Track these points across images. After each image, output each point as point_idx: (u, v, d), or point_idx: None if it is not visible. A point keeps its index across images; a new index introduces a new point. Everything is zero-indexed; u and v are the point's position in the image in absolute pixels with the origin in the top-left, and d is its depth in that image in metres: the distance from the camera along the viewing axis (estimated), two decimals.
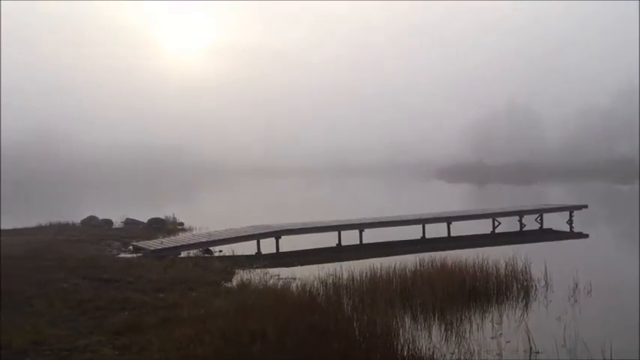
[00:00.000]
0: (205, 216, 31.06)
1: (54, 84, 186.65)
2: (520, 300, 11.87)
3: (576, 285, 12.45)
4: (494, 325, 10.06)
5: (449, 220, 23.11)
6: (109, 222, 26.99)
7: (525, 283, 12.70)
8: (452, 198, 52.47)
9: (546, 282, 12.92)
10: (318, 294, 11.38)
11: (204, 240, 19.08)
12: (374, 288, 11.73)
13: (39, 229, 24.38)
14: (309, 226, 21.23)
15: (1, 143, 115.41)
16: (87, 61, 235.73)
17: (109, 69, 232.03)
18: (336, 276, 12.76)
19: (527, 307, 11.33)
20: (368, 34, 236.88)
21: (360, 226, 21.48)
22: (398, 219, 23.16)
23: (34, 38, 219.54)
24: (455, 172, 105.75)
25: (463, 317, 10.42)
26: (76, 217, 27.64)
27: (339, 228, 21.38)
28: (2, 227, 23.49)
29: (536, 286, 12.73)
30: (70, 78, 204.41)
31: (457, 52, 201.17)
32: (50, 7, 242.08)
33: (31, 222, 26.25)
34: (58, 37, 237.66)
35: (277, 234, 19.95)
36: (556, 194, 49.87)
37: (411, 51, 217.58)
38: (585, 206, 26.26)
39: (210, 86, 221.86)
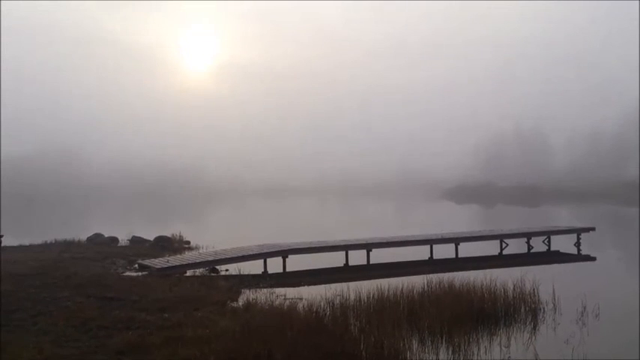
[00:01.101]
0: (213, 235, 30.99)
1: (66, 100, 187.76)
2: (528, 323, 11.72)
3: (584, 308, 12.32)
4: (502, 347, 9.94)
5: (456, 241, 22.98)
6: (114, 240, 26.96)
7: (533, 306, 12.56)
8: (460, 219, 52.27)
9: (554, 305, 12.78)
10: (325, 314, 11.25)
11: (210, 259, 18.98)
12: (381, 309, 11.60)
13: (44, 247, 24.36)
14: (316, 246, 21.13)
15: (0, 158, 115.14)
16: (98, 79, 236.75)
17: (122, 87, 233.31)
18: (343, 296, 12.66)
19: (535, 330, 11.19)
20: (376, 57, 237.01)
21: (368, 246, 21.35)
22: (406, 239, 23.05)
23: (49, 57, 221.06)
24: (464, 194, 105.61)
25: (471, 340, 10.28)
26: (82, 234, 27.61)
27: (346, 248, 21.27)
28: (8, 244, 23.48)
29: (544, 308, 12.60)
30: (81, 95, 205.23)
31: (467, 76, 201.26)
32: (63, 26, 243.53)
33: (37, 239, 26.22)
34: (69, 53, 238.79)
35: (284, 253, 19.85)
36: (563, 216, 49.66)
37: (419, 73, 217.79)
38: (593, 229, 26.12)
39: (223, 105, 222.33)
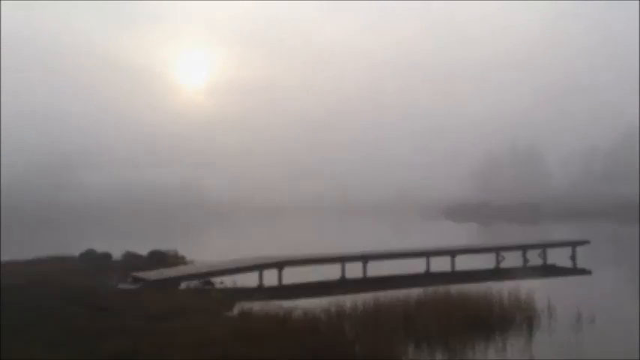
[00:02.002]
0: (209, 250, 30.86)
1: (61, 119, 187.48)
2: (524, 329, 11.71)
3: (579, 316, 12.32)
4: (498, 351, 9.90)
5: (453, 253, 22.90)
6: (107, 255, 26.73)
7: (529, 314, 12.53)
8: (459, 236, 52.14)
9: (549, 312, 12.75)
10: (321, 321, 11.18)
11: (204, 271, 18.88)
12: (377, 315, 11.54)
13: (37, 262, 24.14)
14: (312, 258, 21.06)
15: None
16: (94, 98, 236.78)
17: (118, 105, 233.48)
18: (338, 305, 12.57)
19: (530, 336, 11.17)
20: (374, 78, 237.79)
21: (364, 259, 21.27)
22: (402, 252, 23.02)
23: (46, 74, 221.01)
24: (462, 212, 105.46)
25: (467, 346, 10.22)
26: (75, 250, 27.39)
27: (342, 260, 21.19)
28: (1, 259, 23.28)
29: (539, 316, 12.56)
30: (76, 112, 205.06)
31: (462, 95, 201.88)
32: (61, 45, 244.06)
33: (29, 255, 25.99)
34: (65, 71, 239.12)
35: (280, 265, 19.72)
36: (560, 234, 49.61)
37: (416, 93, 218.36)
38: (587, 242, 26.09)
39: (219, 123, 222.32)
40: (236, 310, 13.68)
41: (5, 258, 23.93)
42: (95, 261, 24.95)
